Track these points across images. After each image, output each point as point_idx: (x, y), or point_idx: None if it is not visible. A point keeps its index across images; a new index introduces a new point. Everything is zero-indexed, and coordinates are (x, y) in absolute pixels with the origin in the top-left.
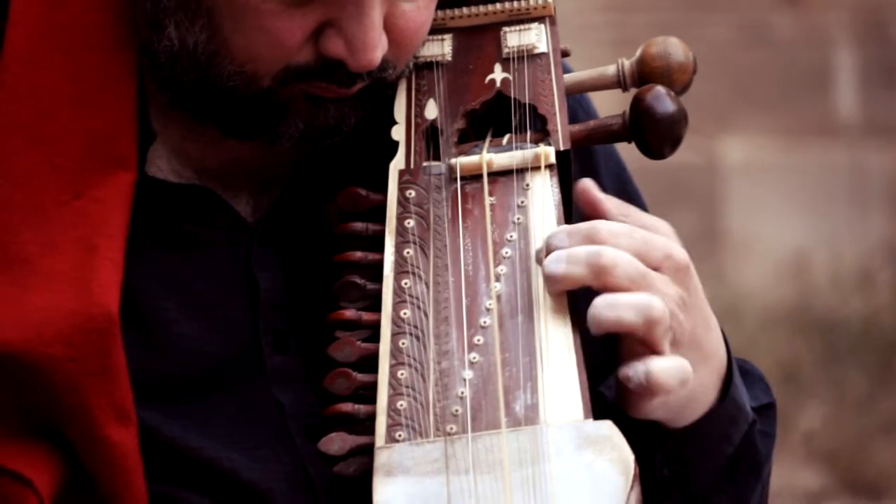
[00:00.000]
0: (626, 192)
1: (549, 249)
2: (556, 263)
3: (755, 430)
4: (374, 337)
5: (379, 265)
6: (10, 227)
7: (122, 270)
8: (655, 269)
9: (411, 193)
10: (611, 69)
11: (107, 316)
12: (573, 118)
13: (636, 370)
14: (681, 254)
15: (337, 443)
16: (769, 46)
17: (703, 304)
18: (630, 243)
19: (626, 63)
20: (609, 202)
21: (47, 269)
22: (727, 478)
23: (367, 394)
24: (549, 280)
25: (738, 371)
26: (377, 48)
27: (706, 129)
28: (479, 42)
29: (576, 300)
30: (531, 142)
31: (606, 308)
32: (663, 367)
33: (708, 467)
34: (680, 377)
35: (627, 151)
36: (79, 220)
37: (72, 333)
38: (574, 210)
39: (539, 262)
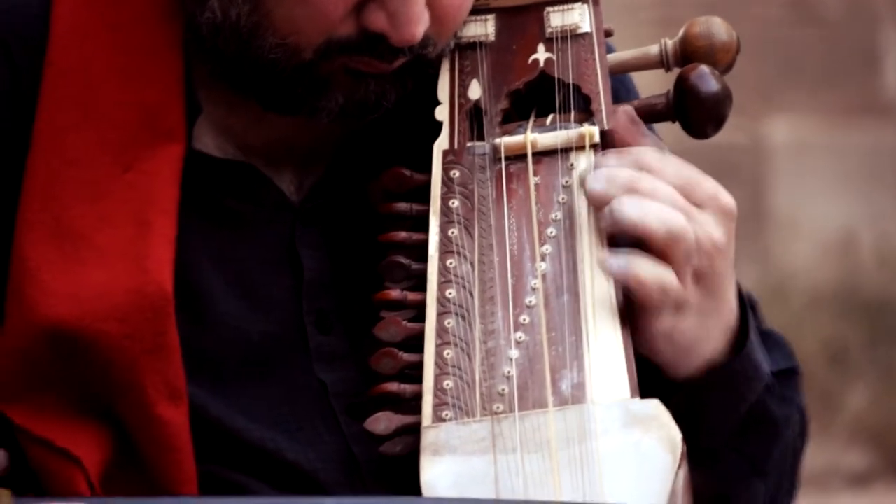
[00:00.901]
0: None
1: (596, 167)
2: (597, 182)
3: (773, 393)
4: (420, 317)
5: (423, 245)
6: (64, 202)
7: (174, 247)
8: (699, 206)
9: (455, 173)
10: (654, 49)
11: (162, 293)
12: (615, 98)
13: (618, 257)
14: (728, 198)
15: (383, 422)
16: (817, 25)
17: (732, 256)
18: (676, 175)
19: (670, 43)
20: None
21: (101, 243)
22: (740, 436)
23: (413, 373)
24: (589, 197)
25: (755, 332)
26: (419, 23)
27: (752, 109)
28: (523, 22)
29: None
30: (575, 121)
31: (632, 205)
32: (646, 268)
33: (719, 423)
34: (661, 284)
35: (669, 132)
36: (130, 194)
37: (127, 310)
38: None
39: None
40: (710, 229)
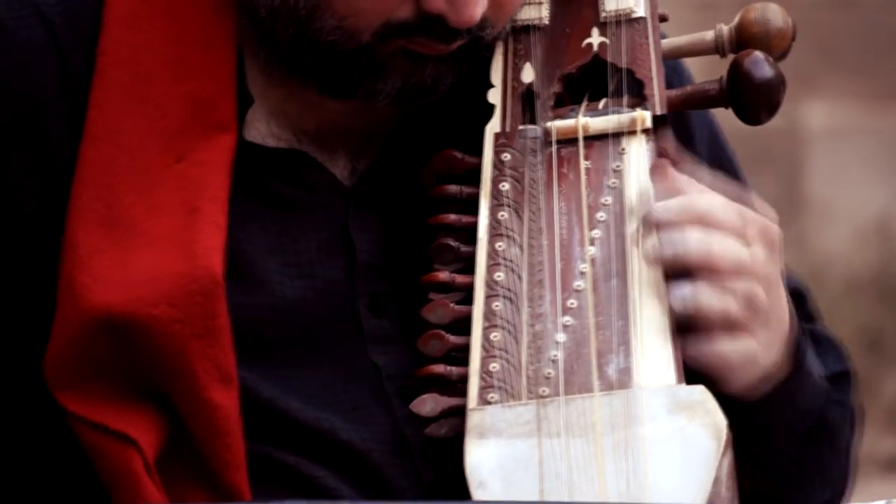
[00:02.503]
0: (720, 158)
1: (645, 222)
2: (670, 246)
3: (829, 400)
4: (468, 299)
5: (473, 228)
6: (115, 190)
7: (225, 233)
8: (752, 239)
9: (507, 156)
10: (709, 35)
11: (211, 277)
12: (669, 83)
13: (681, 288)
14: (774, 228)
15: (429, 404)
16: (854, 9)
17: (782, 283)
18: (728, 218)
19: (725, 28)
20: (698, 173)
21: (152, 231)
22: (797, 446)
23: (460, 356)
24: (652, 221)
25: (808, 340)
26: (478, 5)
27: (789, 94)
28: (577, 6)
29: None
30: (627, 106)
31: (699, 238)
32: (710, 298)
33: (777, 437)
34: (724, 313)
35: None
36: (181, 183)
37: (176, 295)
38: None
39: (635, 240)
40: (763, 261)
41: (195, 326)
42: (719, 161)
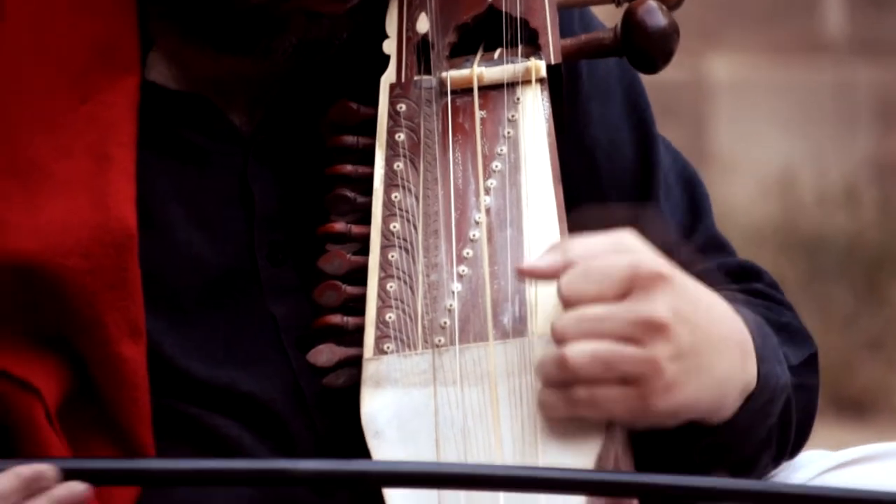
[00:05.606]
0: (637, 107)
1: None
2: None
3: (794, 392)
4: (364, 250)
5: (369, 178)
6: (22, 135)
7: (135, 181)
8: (625, 295)
9: (402, 107)
10: None
11: (125, 229)
12: (567, 31)
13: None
14: (647, 264)
15: (325, 354)
16: None
17: (698, 297)
18: (586, 285)
19: None
20: (555, 256)
21: (61, 176)
22: (767, 442)
23: (357, 306)
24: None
25: (768, 341)
26: None
27: (693, 47)
28: None
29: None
30: (522, 56)
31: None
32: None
33: (750, 443)
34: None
35: None
36: (88, 126)
37: (89, 245)
38: (564, 122)
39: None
40: (666, 319)
41: (107, 279)
42: (637, 111)
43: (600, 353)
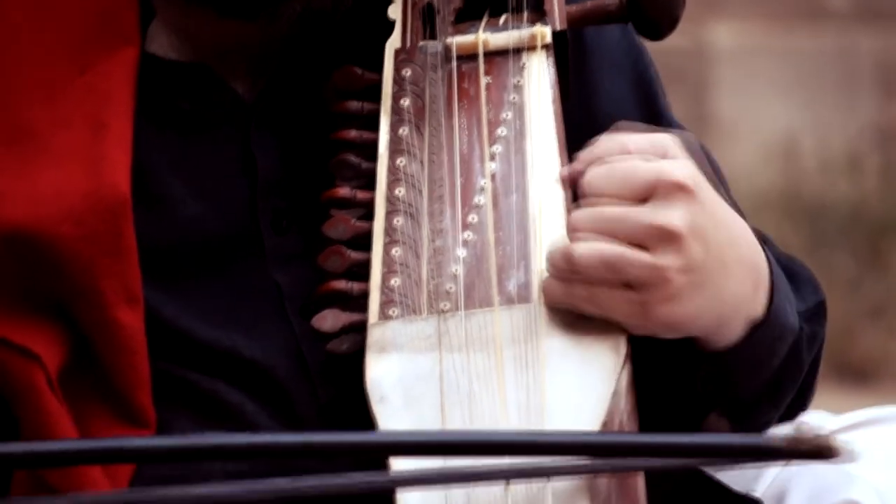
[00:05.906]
0: (643, 81)
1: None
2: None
3: (802, 340)
4: (369, 215)
5: (374, 144)
6: (20, 103)
7: (131, 150)
8: (645, 200)
9: (407, 72)
10: None
11: (119, 196)
12: None
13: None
14: (672, 173)
15: (330, 320)
16: None
17: (720, 216)
18: (608, 184)
19: None
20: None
21: (57, 146)
22: (772, 387)
23: (361, 272)
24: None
25: (781, 280)
26: None
27: (695, 14)
28: None
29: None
30: (528, 22)
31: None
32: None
33: (754, 382)
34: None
35: None
36: (86, 96)
37: (83, 213)
38: (570, 90)
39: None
40: (687, 222)
41: (102, 245)
42: (643, 81)
43: (607, 255)
